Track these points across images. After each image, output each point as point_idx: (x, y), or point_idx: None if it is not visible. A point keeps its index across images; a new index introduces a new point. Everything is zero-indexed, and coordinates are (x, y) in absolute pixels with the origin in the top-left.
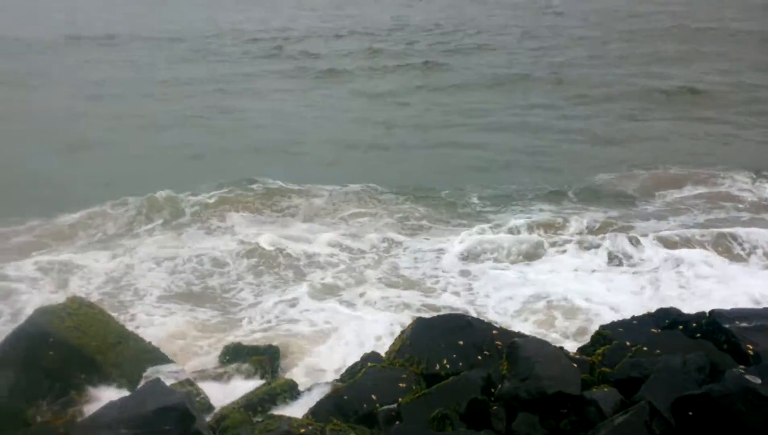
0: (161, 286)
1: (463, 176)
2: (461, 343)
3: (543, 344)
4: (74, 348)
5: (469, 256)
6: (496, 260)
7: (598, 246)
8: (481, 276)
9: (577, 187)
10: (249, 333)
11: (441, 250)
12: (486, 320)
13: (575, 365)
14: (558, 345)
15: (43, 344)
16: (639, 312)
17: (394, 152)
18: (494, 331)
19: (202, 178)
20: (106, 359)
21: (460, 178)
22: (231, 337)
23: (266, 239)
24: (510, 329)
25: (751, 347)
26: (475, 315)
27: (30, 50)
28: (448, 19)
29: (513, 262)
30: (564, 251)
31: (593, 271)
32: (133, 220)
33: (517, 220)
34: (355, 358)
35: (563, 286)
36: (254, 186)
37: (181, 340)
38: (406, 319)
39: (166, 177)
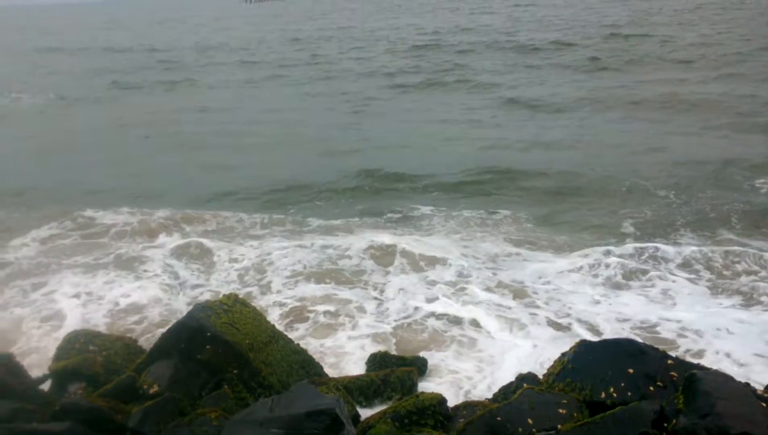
0: None
1: None
2: (631, 371)
3: (726, 379)
4: (229, 344)
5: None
6: None
7: None
8: None
9: None
10: (388, 336)
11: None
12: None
13: (764, 405)
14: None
15: (201, 338)
16: None
17: None
18: (669, 361)
19: None
20: (257, 357)
21: None
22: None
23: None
24: (687, 360)
25: None
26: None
27: None
28: None
29: None
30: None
31: None
32: None
33: None
34: (506, 377)
35: None
36: None
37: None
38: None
39: None
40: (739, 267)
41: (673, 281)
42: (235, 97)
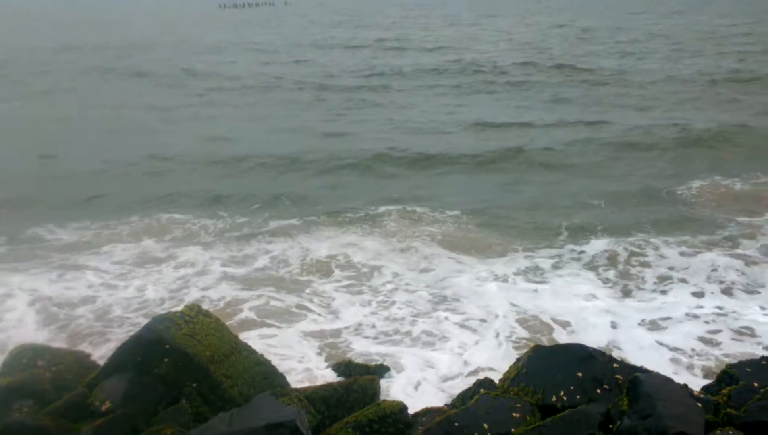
0: None
1: None
2: (580, 374)
3: (666, 381)
4: (188, 356)
5: None
6: None
7: None
8: None
9: None
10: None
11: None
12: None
13: (699, 405)
14: (682, 383)
15: (159, 351)
16: None
17: None
18: (615, 365)
19: None
20: (218, 369)
21: None
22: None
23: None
24: (632, 363)
25: None
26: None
27: None
28: None
29: None
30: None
31: None
32: None
33: None
34: (465, 382)
35: None
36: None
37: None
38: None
39: None
40: (639, 265)
41: (584, 278)
42: None
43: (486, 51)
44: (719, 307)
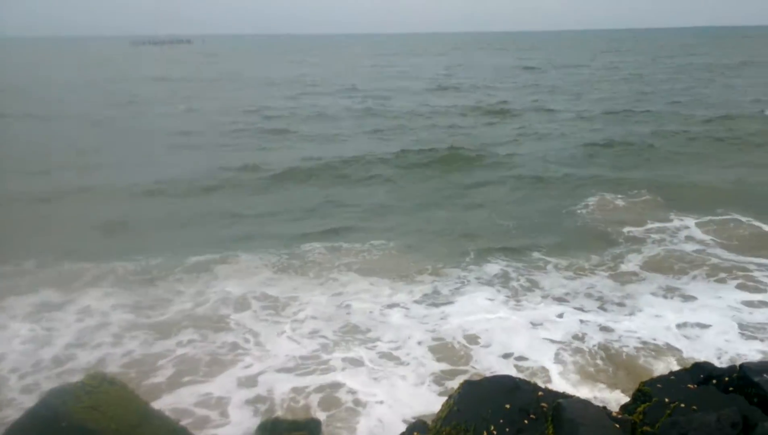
0: None
1: None
2: (508, 406)
3: (586, 405)
4: (90, 432)
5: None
6: None
7: None
8: None
9: None
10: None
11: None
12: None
13: (617, 426)
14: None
15: (54, 430)
16: None
17: None
18: (540, 393)
19: None
20: None
21: None
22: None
23: None
24: (555, 389)
25: None
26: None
27: None
28: None
29: None
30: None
31: None
32: None
33: None
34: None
35: None
36: None
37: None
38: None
39: None
40: (533, 279)
41: (486, 296)
42: None
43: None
44: (601, 320)
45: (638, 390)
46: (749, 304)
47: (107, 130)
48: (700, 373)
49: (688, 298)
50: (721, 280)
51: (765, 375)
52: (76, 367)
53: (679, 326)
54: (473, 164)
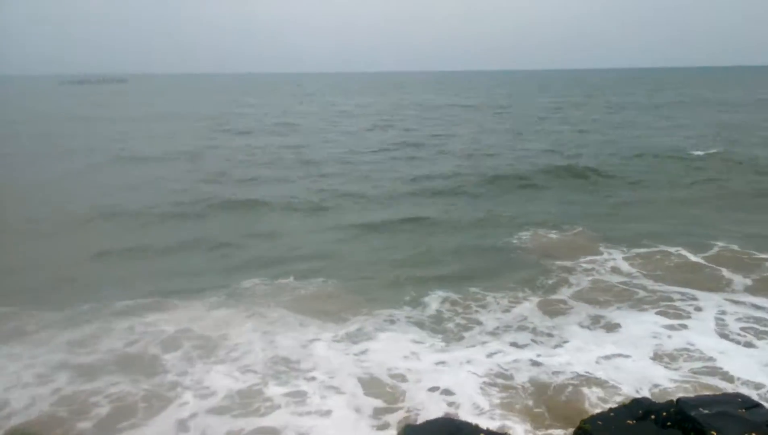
0: None
1: None
2: None
3: None
4: None
5: None
6: None
7: None
8: None
9: None
10: None
11: None
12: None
13: None
14: None
15: None
16: None
17: None
18: (482, 433)
19: None
20: None
21: None
22: None
23: None
24: (497, 432)
25: (714, 434)
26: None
27: None
28: None
29: None
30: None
31: None
32: None
33: None
34: None
35: None
36: None
37: None
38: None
39: None
40: (466, 316)
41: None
42: None
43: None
44: (531, 354)
45: (579, 428)
46: (670, 327)
47: None
48: (639, 409)
49: (612, 327)
50: (643, 309)
51: (701, 409)
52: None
53: (603, 358)
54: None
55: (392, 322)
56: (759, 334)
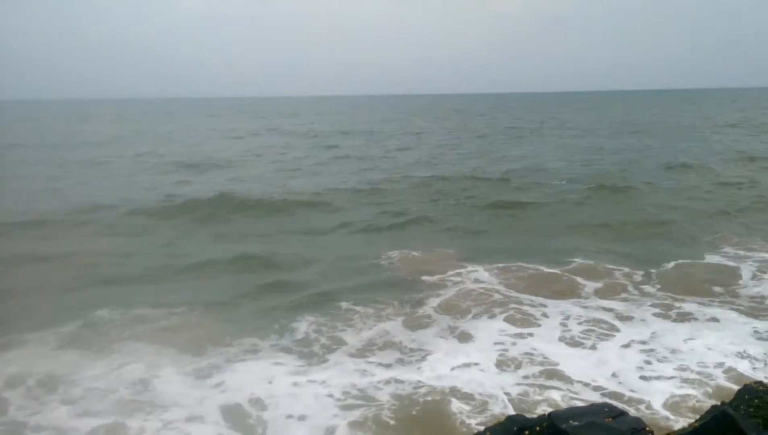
0: None
1: None
2: None
3: None
4: None
5: None
6: None
7: None
8: None
9: None
10: None
11: None
12: None
13: None
14: None
15: None
16: None
17: None
18: None
19: None
20: None
21: None
22: None
23: None
24: None
25: None
26: None
27: None
28: None
29: None
30: None
31: None
32: None
33: None
34: None
35: None
36: None
37: None
38: None
39: None
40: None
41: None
42: None
43: None
44: (395, 373)
45: None
46: (518, 335)
47: None
48: (513, 426)
49: (466, 337)
50: (495, 317)
51: (571, 422)
52: None
53: (458, 368)
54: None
55: (256, 350)
56: (599, 336)
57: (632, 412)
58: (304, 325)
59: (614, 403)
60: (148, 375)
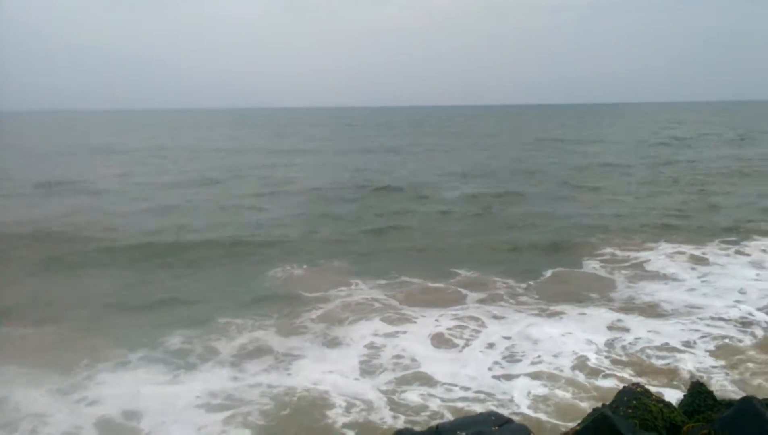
0: None
1: None
2: None
3: None
4: None
5: None
6: None
7: None
8: None
9: None
10: None
11: None
12: None
13: None
14: None
15: None
16: None
17: None
18: None
19: None
20: None
21: None
22: None
23: None
24: None
25: None
26: None
27: None
28: None
29: None
30: None
31: None
32: None
33: None
34: None
35: None
36: None
37: None
38: None
39: None
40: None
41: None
42: None
43: None
44: (270, 378)
45: None
46: (390, 337)
47: None
48: None
49: (338, 343)
50: (371, 324)
51: (459, 432)
52: None
53: (327, 372)
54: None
55: (126, 362)
56: (467, 340)
57: (516, 418)
58: (177, 338)
59: (493, 407)
60: (13, 394)
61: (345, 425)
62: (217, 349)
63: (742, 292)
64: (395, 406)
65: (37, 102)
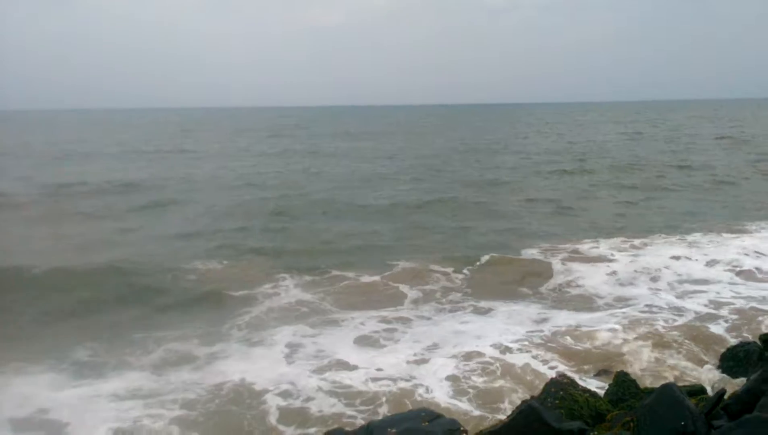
0: None
1: None
2: None
3: None
4: None
5: None
6: None
7: None
8: None
9: None
10: None
11: None
12: None
13: None
14: None
15: None
16: None
17: None
18: None
19: None
20: None
21: None
22: None
23: None
24: None
25: None
26: None
27: None
28: None
29: None
30: None
31: None
32: None
33: None
34: None
35: None
36: None
37: None
38: None
39: None
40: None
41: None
42: None
43: None
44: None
45: None
46: (312, 335)
47: None
48: None
49: (260, 342)
50: (294, 324)
51: (389, 429)
52: None
53: (250, 370)
54: None
55: (33, 372)
56: (395, 339)
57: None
58: (89, 346)
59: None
60: None
61: (285, 421)
62: (133, 351)
63: None
64: (316, 400)
65: None
